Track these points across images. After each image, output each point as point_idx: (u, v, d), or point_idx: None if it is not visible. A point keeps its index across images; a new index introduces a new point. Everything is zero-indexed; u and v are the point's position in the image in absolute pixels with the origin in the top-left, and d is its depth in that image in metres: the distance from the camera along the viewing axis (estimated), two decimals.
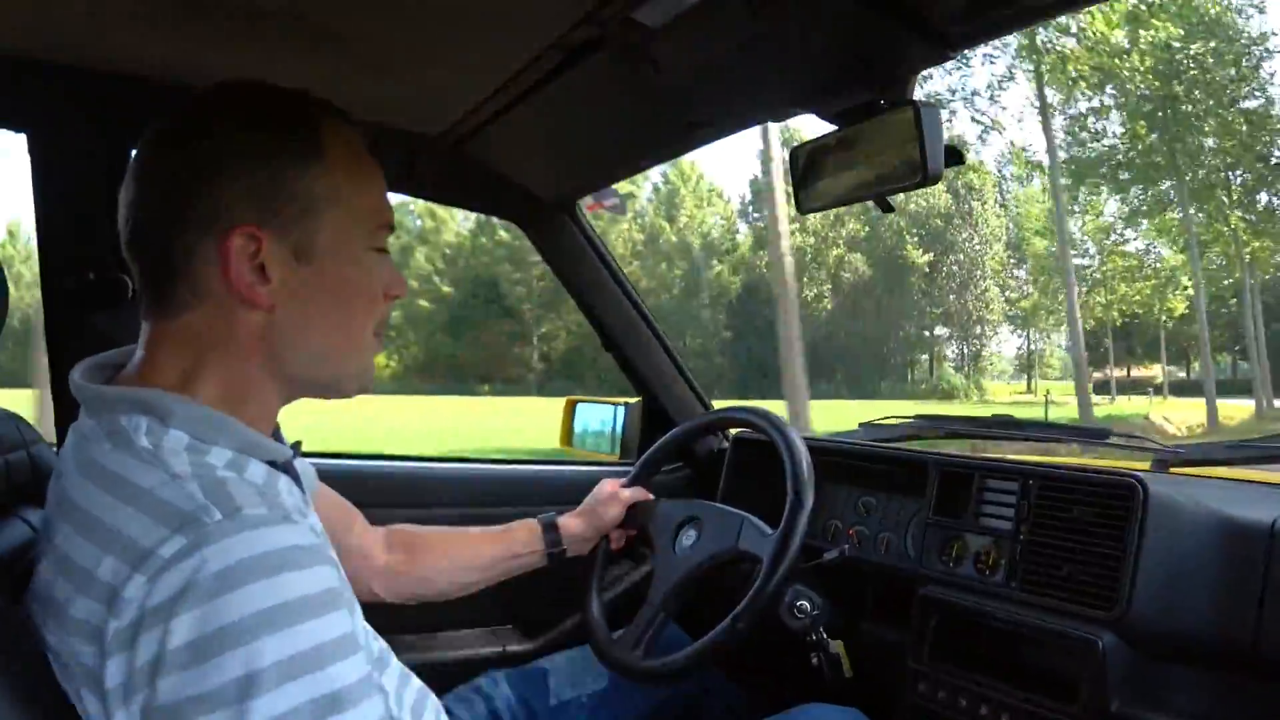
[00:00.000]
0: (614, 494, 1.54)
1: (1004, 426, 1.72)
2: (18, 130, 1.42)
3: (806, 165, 1.32)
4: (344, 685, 0.71)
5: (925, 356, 50.06)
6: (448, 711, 1.27)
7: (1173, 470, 1.49)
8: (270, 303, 0.81)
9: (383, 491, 1.83)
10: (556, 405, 2.43)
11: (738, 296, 46.63)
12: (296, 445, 0.92)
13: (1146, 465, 1.51)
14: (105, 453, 0.77)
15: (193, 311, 0.82)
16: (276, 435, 0.92)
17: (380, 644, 0.98)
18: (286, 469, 0.89)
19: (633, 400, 2.19)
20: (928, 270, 45.55)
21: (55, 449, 1.28)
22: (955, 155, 1.14)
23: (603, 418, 2.27)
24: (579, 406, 2.36)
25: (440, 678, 1.35)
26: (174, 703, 0.66)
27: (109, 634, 0.68)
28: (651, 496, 1.56)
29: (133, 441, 0.76)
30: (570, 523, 1.50)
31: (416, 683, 1.04)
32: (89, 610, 0.70)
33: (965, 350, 49.64)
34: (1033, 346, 52.16)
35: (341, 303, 0.86)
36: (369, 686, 0.74)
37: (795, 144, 1.35)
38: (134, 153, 0.84)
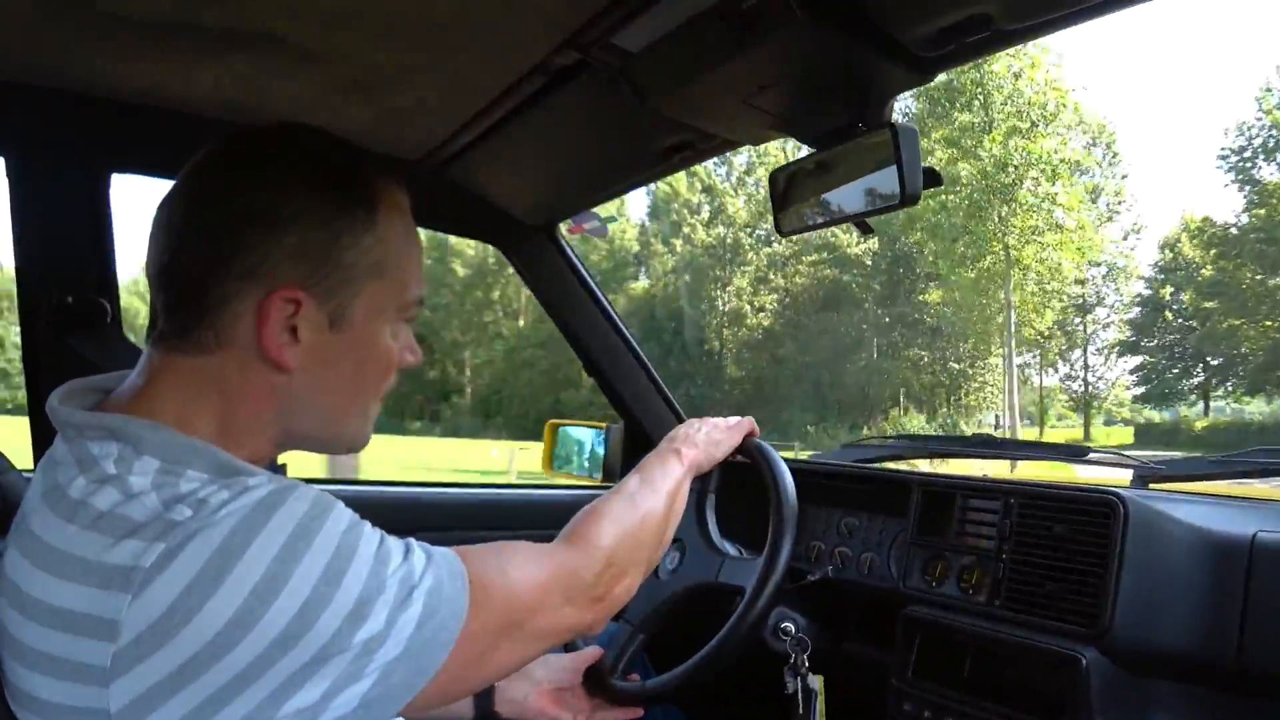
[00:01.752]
0: (558, 657, 1.42)
1: (985, 445, 1.73)
2: None
3: (785, 188, 1.33)
4: (375, 545, 0.76)
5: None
6: None
7: (1152, 486, 1.50)
8: (293, 363, 0.80)
9: (366, 516, 1.81)
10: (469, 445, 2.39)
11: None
12: (282, 468, 0.92)
13: (1127, 482, 1.52)
14: (71, 480, 0.75)
15: (210, 356, 0.79)
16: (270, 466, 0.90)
17: None
18: None
19: (614, 423, 2.19)
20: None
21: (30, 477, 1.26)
22: (933, 177, 1.16)
23: (584, 441, 2.27)
24: (561, 430, 2.36)
25: None
26: (231, 680, 0.67)
27: (106, 662, 0.67)
28: (599, 652, 1.43)
29: (100, 468, 0.74)
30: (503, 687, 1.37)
31: None
32: (66, 645, 0.69)
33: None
34: None
35: (360, 370, 0.86)
36: (385, 536, 0.78)
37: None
38: (182, 178, 0.81)
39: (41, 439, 1.46)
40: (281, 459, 0.96)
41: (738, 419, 1.43)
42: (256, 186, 0.79)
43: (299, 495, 0.73)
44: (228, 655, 0.66)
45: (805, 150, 1.30)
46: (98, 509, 0.71)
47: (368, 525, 0.78)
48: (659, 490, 1.19)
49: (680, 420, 2.14)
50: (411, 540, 0.81)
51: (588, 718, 1.36)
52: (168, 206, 0.81)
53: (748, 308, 38.67)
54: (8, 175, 1.42)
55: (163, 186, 0.82)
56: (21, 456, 1.19)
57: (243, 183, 0.79)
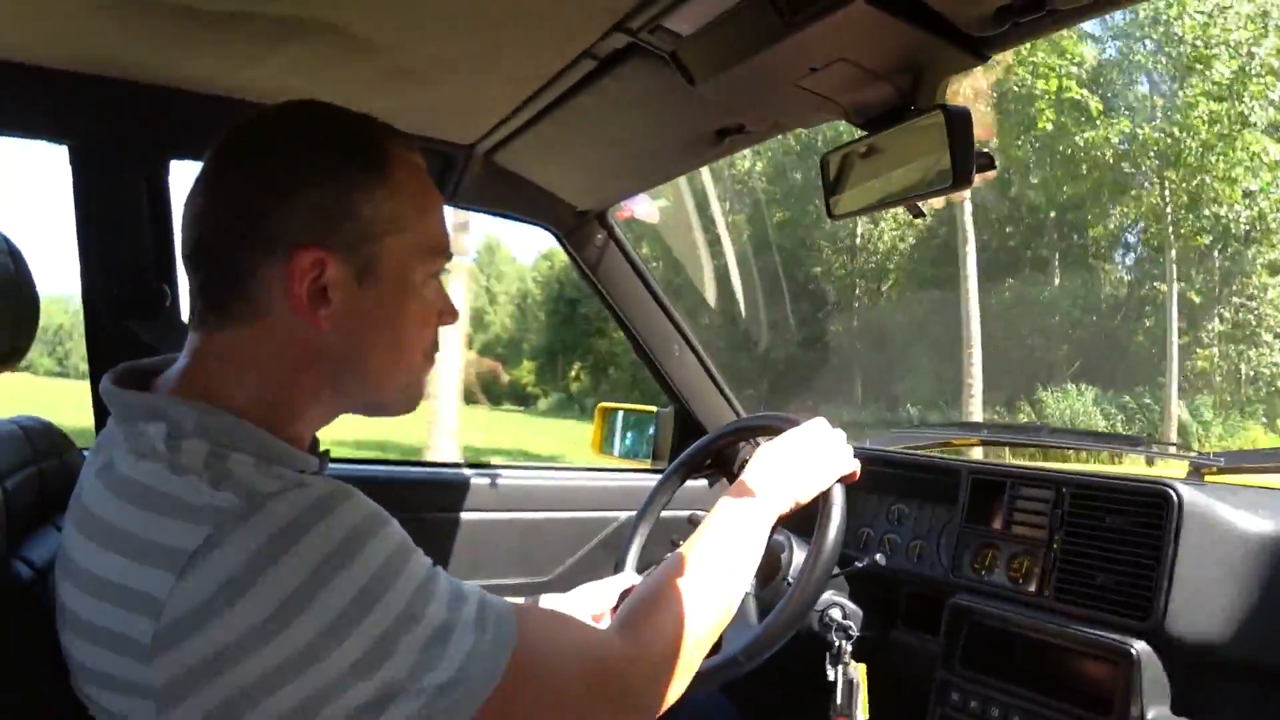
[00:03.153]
0: (599, 583, 1.43)
1: (1037, 434, 1.71)
2: (59, 142, 1.46)
3: (836, 171, 1.32)
4: (421, 579, 0.75)
5: None
6: None
7: (1208, 478, 1.47)
8: (328, 325, 0.81)
9: (415, 497, 1.85)
10: None
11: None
12: (324, 454, 0.92)
13: (1182, 473, 1.49)
14: (123, 459, 0.77)
15: (247, 327, 0.81)
16: (311, 447, 0.91)
17: None
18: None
19: (665, 408, 2.20)
20: None
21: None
22: (987, 160, 1.14)
23: (636, 424, 2.28)
24: (612, 413, 2.37)
25: None
26: (259, 679, 0.68)
27: (148, 638, 0.68)
28: (638, 578, 1.45)
29: (151, 448, 0.76)
30: (547, 600, 1.37)
31: None
32: (115, 619, 0.71)
33: None
34: None
35: (396, 327, 0.86)
36: (434, 572, 0.78)
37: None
38: (201, 166, 0.84)
39: (103, 420, 1.50)
40: (325, 444, 0.97)
41: (839, 444, 1.25)
42: (267, 157, 0.81)
43: (352, 505, 0.74)
44: (256, 654, 0.67)
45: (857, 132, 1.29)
46: (147, 485, 0.74)
47: (420, 553, 0.77)
48: (737, 565, 1.07)
49: (733, 405, 2.14)
50: (469, 588, 0.80)
51: None
52: (192, 194, 0.83)
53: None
54: (70, 164, 1.46)
55: None
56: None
57: (254, 156, 0.82)
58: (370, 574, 0.71)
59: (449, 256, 0.91)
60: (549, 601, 1.37)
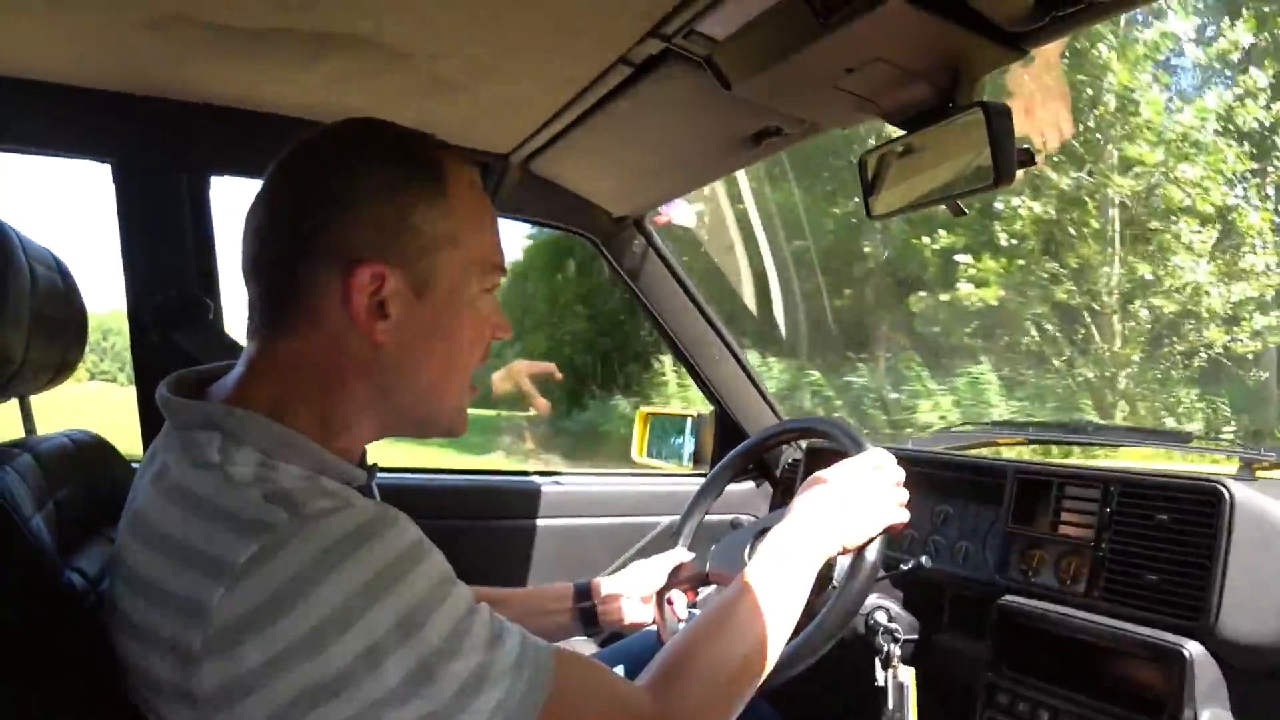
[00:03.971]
0: (647, 562, 1.47)
1: (1082, 432, 1.69)
2: (102, 160, 1.50)
3: (874, 171, 1.31)
4: (459, 614, 0.75)
5: None
6: None
7: (1260, 474, 1.44)
8: (385, 338, 0.82)
9: (457, 504, 1.86)
10: None
11: None
12: (373, 468, 0.93)
13: (1233, 470, 1.46)
14: (177, 466, 0.79)
15: (303, 339, 0.82)
16: (360, 461, 0.92)
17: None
18: (366, 492, 0.88)
19: (706, 411, 2.20)
20: None
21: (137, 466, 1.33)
22: (1027, 157, 1.13)
23: (676, 429, 2.28)
24: (652, 418, 2.37)
25: None
26: (297, 696, 0.69)
27: (196, 644, 0.69)
28: (692, 555, 1.47)
29: (204, 456, 0.77)
30: (602, 582, 1.42)
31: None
32: (165, 623, 0.72)
33: None
34: None
35: (451, 341, 0.87)
36: (475, 606, 0.77)
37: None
38: (263, 181, 0.86)
39: (150, 429, 1.54)
40: (373, 458, 0.98)
41: (894, 487, 1.20)
42: (327, 172, 0.82)
43: (398, 531, 0.75)
44: (293, 671, 0.68)
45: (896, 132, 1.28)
46: (200, 495, 0.75)
47: (462, 587, 0.78)
48: (779, 615, 1.03)
49: (773, 409, 2.13)
50: (510, 628, 0.80)
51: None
52: (252, 211, 0.85)
53: None
54: (113, 180, 1.50)
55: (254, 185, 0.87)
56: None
57: (315, 172, 0.83)
58: (411, 603, 0.72)
59: (503, 271, 0.92)
60: (602, 584, 1.40)
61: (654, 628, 1.44)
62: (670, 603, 1.43)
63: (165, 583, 0.73)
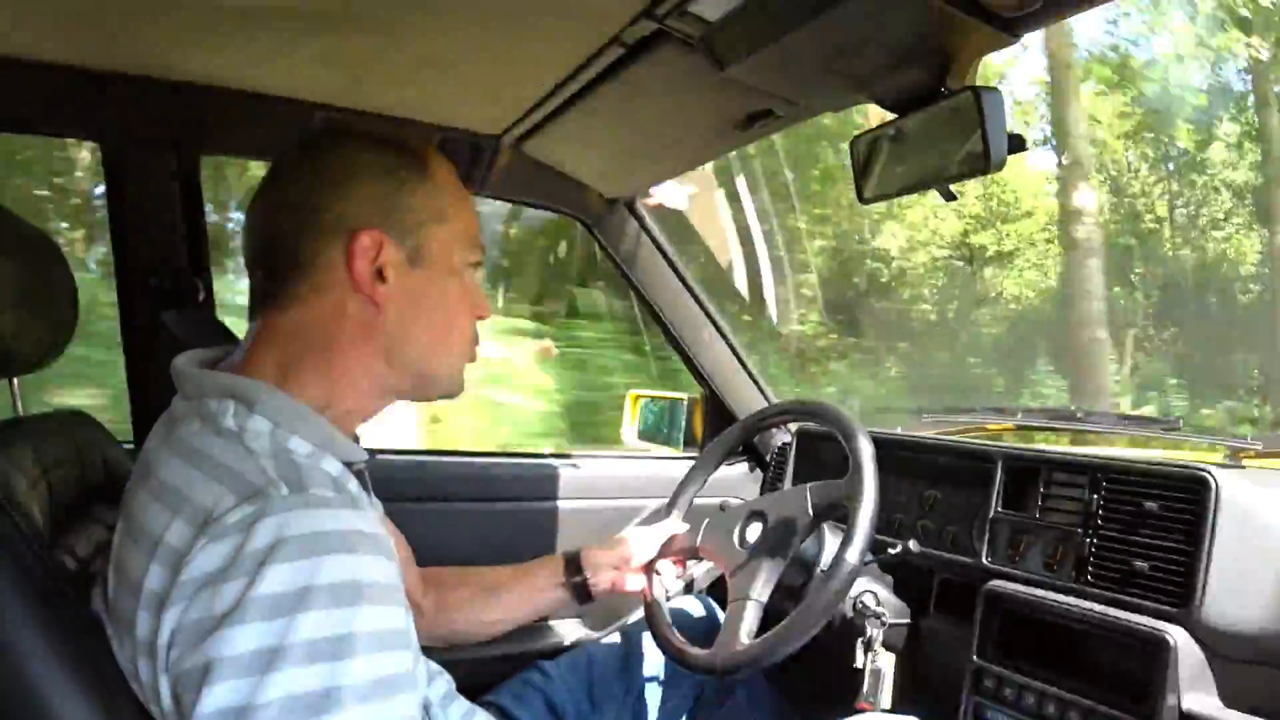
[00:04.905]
0: (640, 528, 1.51)
1: (1070, 418, 1.69)
2: (91, 140, 1.48)
3: (866, 155, 1.31)
4: (374, 678, 0.73)
5: None
6: (504, 712, 1.30)
7: (1246, 463, 1.45)
8: (383, 301, 0.89)
9: (443, 484, 1.86)
10: None
11: None
12: (371, 454, 0.95)
13: (1220, 458, 1.46)
14: (192, 431, 0.83)
15: (307, 306, 0.89)
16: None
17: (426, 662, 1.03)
18: (360, 476, 0.93)
19: (696, 394, 2.20)
20: None
21: (130, 447, 1.33)
22: (1018, 142, 1.13)
23: (666, 412, 2.28)
24: (643, 401, 2.37)
25: (492, 674, 1.41)
26: (203, 664, 0.70)
27: (168, 591, 0.73)
28: (685, 526, 1.51)
29: (219, 422, 0.83)
30: (593, 553, 1.45)
31: (464, 702, 1.12)
32: (154, 575, 0.75)
33: None
34: None
35: (443, 308, 0.95)
36: (404, 685, 0.76)
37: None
38: (267, 173, 0.93)
39: (140, 409, 1.53)
40: (368, 440, 0.99)
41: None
42: (326, 159, 0.91)
43: (381, 563, 0.76)
44: (211, 637, 0.70)
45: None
46: (217, 458, 0.79)
47: (403, 655, 0.77)
48: None
49: (763, 392, 2.13)
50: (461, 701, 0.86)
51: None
52: (255, 204, 0.92)
53: None
54: (103, 163, 1.49)
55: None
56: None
57: (314, 161, 0.91)
58: (343, 631, 0.71)
59: (484, 249, 1.00)
60: (593, 555, 1.43)
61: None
62: (658, 573, 1.45)
63: (160, 532, 0.76)
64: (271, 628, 0.69)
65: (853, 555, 1.22)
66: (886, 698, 1.38)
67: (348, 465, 0.89)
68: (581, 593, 1.42)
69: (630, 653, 1.49)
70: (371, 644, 0.73)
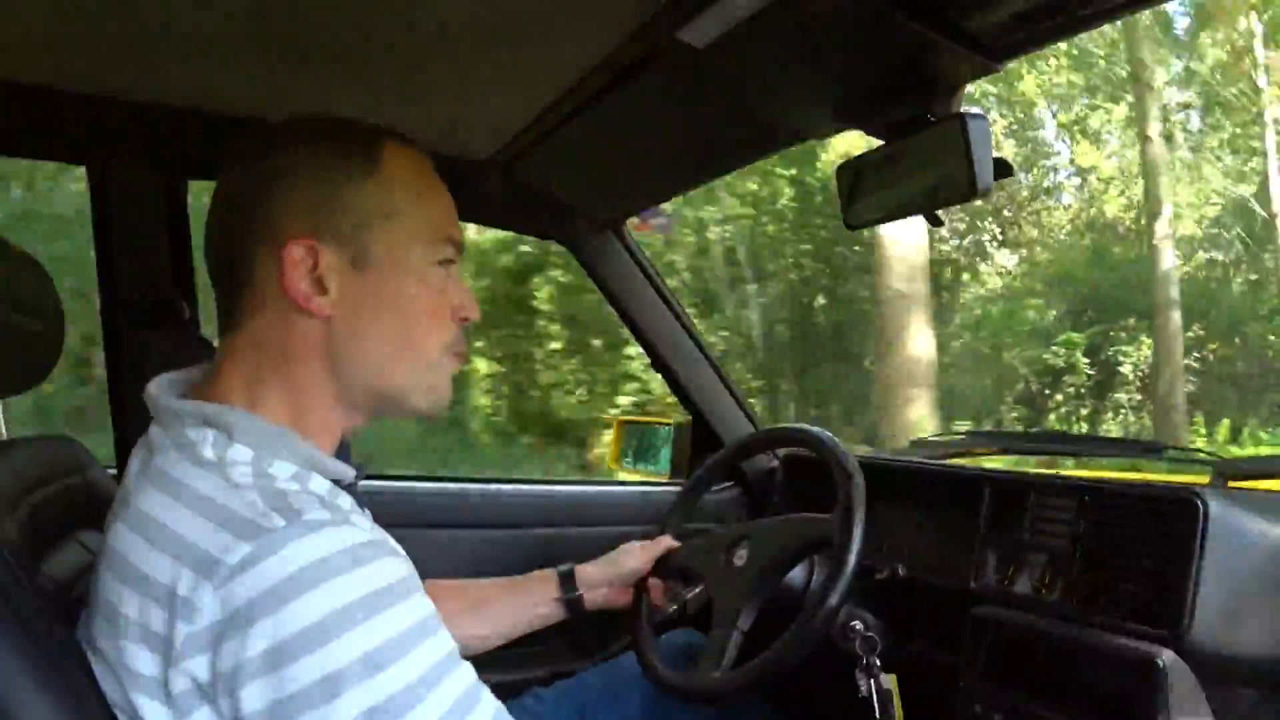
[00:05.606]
0: (634, 544, 1.49)
1: (1057, 441, 1.70)
2: (77, 164, 1.48)
3: (853, 181, 1.32)
4: (432, 663, 0.73)
5: None
6: None
7: (1232, 484, 1.45)
8: (327, 312, 0.83)
9: (432, 511, 1.84)
10: None
11: None
12: (360, 468, 0.92)
13: (1206, 479, 1.47)
14: (171, 462, 0.79)
15: (255, 320, 0.85)
16: (345, 457, 0.92)
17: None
18: (352, 491, 0.89)
19: (683, 420, 2.19)
20: None
21: (113, 470, 1.31)
22: (1004, 167, 1.14)
23: (652, 438, 2.28)
24: (628, 427, 2.37)
25: None
26: (259, 710, 0.69)
27: (178, 639, 0.70)
28: (676, 544, 1.50)
29: (198, 453, 0.79)
30: (587, 569, 1.44)
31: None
32: (148, 613, 0.72)
33: None
34: None
35: (400, 314, 0.87)
36: (455, 659, 0.77)
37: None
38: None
39: (123, 430, 1.52)
40: (359, 459, 0.97)
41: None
42: (260, 165, 0.85)
43: (392, 563, 0.75)
44: (256, 682, 0.69)
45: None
46: (199, 492, 0.76)
47: (440, 637, 0.77)
48: None
49: (750, 418, 2.13)
50: (488, 703, 0.80)
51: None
52: (207, 219, 0.88)
53: None
54: (89, 185, 1.48)
55: None
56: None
57: (247, 168, 0.86)
58: (379, 641, 0.71)
59: (457, 247, 0.92)
60: (587, 570, 1.43)
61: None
62: (648, 592, 1.45)
63: (151, 571, 0.73)
64: (318, 659, 0.68)
65: (834, 598, 1.21)
66: (898, 715, 1.37)
67: (336, 483, 0.86)
68: (574, 608, 1.41)
69: (623, 680, 1.48)
70: (418, 635, 0.73)
